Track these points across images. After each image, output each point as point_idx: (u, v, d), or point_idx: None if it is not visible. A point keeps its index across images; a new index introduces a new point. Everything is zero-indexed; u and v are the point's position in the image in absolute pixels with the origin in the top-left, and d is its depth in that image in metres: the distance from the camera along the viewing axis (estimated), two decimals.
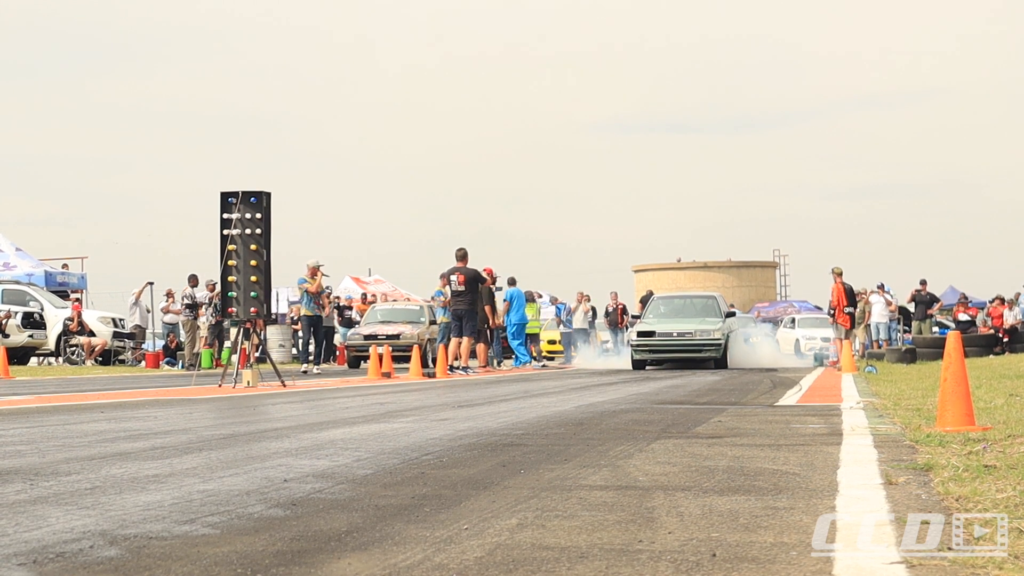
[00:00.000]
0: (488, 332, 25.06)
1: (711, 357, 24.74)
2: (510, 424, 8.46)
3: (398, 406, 11.10)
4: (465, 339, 22.59)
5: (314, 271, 24.12)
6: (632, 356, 25.44)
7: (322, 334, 26.06)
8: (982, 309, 37.50)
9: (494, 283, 25.37)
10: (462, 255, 22.80)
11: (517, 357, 27.87)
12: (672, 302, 27.87)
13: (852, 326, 21.70)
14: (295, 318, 24.81)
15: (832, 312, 21.00)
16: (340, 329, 32.65)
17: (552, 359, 29.55)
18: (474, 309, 22.74)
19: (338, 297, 34.58)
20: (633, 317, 26.11)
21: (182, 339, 28.24)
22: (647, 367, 25.45)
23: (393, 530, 3.96)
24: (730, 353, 25.44)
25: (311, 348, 24.99)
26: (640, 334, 25.38)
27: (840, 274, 22.35)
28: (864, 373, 18.75)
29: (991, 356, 29.14)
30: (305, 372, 23.17)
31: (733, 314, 26.45)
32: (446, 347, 22.87)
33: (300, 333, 25.81)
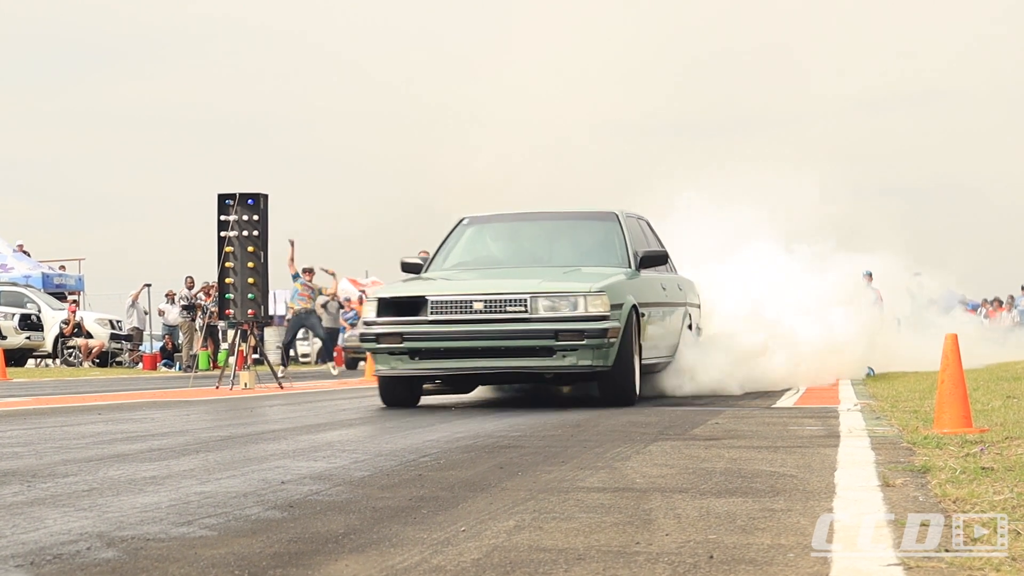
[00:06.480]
0: None
1: (581, 370, 9.91)
2: (507, 426, 8.45)
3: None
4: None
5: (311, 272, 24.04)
6: (377, 373, 10.43)
7: (319, 331, 25.86)
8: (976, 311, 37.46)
9: None
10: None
11: None
12: (510, 235, 12.11)
13: None
14: (289, 318, 24.64)
15: None
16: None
17: None
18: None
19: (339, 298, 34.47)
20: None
21: (179, 341, 28.22)
22: (423, 395, 11.15)
23: (390, 532, 3.96)
24: (650, 353, 11.23)
25: (301, 347, 24.92)
26: (384, 306, 10.15)
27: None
28: (861, 375, 18.72)
29: None
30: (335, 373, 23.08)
31: (663, 259, 11.71)
32: None
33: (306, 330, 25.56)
